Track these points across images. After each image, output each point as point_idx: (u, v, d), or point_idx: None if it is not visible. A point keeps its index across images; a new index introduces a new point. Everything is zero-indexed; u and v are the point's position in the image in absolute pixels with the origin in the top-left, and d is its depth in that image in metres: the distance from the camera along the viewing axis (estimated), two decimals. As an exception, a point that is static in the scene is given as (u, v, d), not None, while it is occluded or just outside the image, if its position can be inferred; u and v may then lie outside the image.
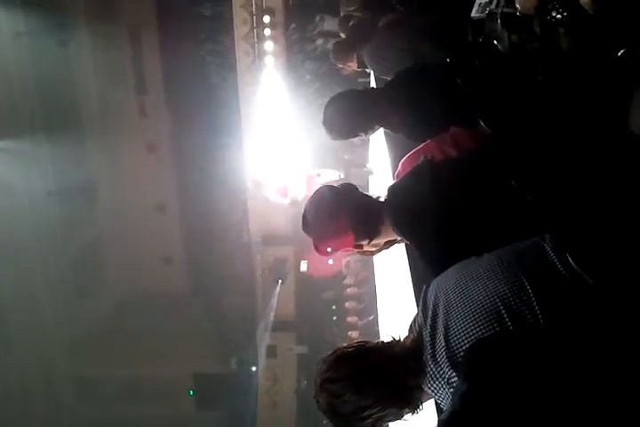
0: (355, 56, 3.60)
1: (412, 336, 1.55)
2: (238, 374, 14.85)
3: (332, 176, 9.94)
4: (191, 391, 14.57)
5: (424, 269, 1.87)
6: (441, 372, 1.38)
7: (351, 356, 1.54)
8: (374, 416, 1.47)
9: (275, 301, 14.23)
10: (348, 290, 13.37)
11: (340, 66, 3.91)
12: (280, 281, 14.47)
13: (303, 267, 13.93)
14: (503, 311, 1.33)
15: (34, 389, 14.23)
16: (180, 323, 14.51)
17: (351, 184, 2.12)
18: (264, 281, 14.73)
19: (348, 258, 12.80)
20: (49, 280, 13.88)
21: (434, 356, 1.40)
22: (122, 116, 14.40)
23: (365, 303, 12.54)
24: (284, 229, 13.56)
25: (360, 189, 2.09)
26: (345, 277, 13.46)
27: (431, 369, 1.41)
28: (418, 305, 1.60)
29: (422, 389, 1.46)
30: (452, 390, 1.36)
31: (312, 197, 2.08)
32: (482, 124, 2.15)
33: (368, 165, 10.51)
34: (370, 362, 1.51)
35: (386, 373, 1.48)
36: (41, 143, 12.56)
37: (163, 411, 14.49)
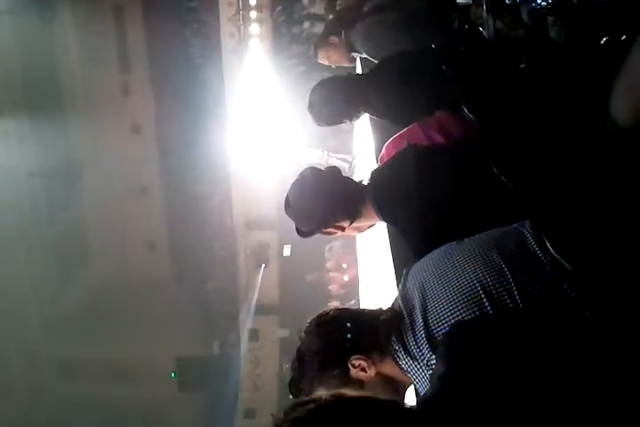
0: (344, 48, 3.54)
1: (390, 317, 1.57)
2: (221, 358, 14.89)
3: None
4: (173, 374, 14.58)
5: (405, 253, 1.89)
6: (420, 353, 1.40)
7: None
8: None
9: (258, 285, 14.25)
10: (331, 274, 13.42)
11: (326, 62, 3.77)
12: (263, 266, 14.49)
13: (286, 251, 13.93)
14: (482, 296, 1.35)
15: (16, 371, 14.16)
16: (163, 306, 14.48)
17: (335, 167, 2.14)
18: (247, 265, 14.74)
19: (332, 242, 12.83)
20: (31, 263, 13.76)
21: (414, 338, 1.42)
22: (105, 96, 14.22)
23: (348, 288, 12.59)
24: (268, 214, 13.54)
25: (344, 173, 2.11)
26: (328, 261, 13.48)
27: (410, 350, 1.43)
28: (398, 288, 1.62)
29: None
30: (430, 371, 1.38)
31: (296, 179, 2.09)
32: (465, 110, 2.16)
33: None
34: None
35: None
36: (22, 123, 12.36)
37: (145, 393, 14.52)
